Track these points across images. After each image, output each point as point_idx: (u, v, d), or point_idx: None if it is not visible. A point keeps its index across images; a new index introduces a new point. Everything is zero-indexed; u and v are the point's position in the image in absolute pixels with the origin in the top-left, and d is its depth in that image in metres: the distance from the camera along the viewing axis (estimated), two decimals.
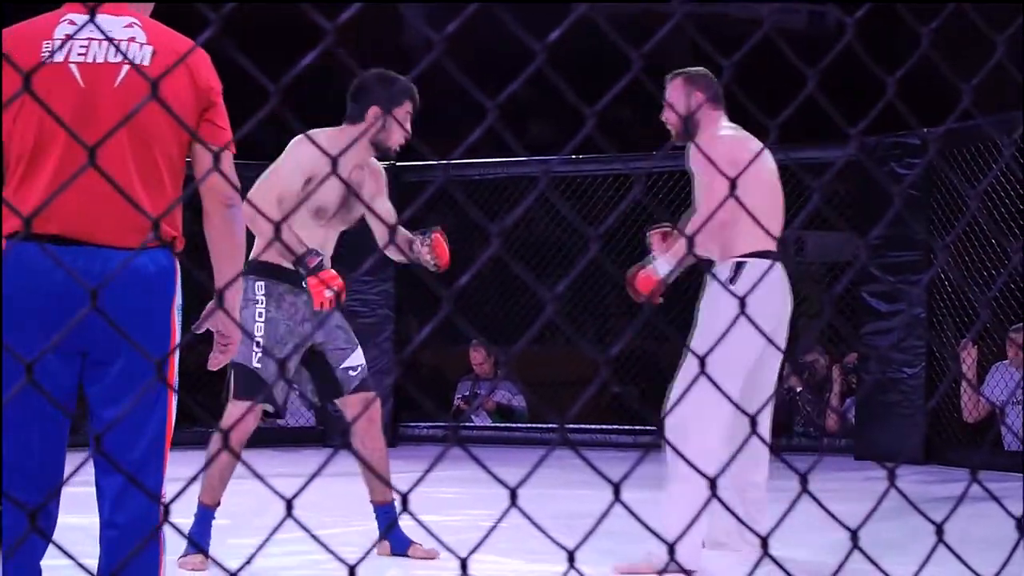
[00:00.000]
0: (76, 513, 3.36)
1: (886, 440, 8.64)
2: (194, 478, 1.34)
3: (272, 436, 10.09)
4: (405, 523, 4.80)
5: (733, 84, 1.57)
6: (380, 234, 5.12)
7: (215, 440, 4.96)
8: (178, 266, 2.85)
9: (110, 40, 2.81)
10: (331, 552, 1.40)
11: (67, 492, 2.69)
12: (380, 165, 5.13)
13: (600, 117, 1.48)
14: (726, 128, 4.97)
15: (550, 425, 9.86)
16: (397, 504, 4.82)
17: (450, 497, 6.45)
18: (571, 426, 9.75)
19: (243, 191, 3.08)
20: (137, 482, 2.81)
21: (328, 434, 10.14)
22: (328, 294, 4.73)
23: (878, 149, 8.68)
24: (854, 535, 1.62)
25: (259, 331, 4.83)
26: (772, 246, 4.96)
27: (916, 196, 8.54)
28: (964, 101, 1.82)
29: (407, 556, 4.81)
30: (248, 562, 1.41)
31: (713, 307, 4.87)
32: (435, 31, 1.42)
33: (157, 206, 2.77)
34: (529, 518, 1.46)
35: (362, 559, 1.38)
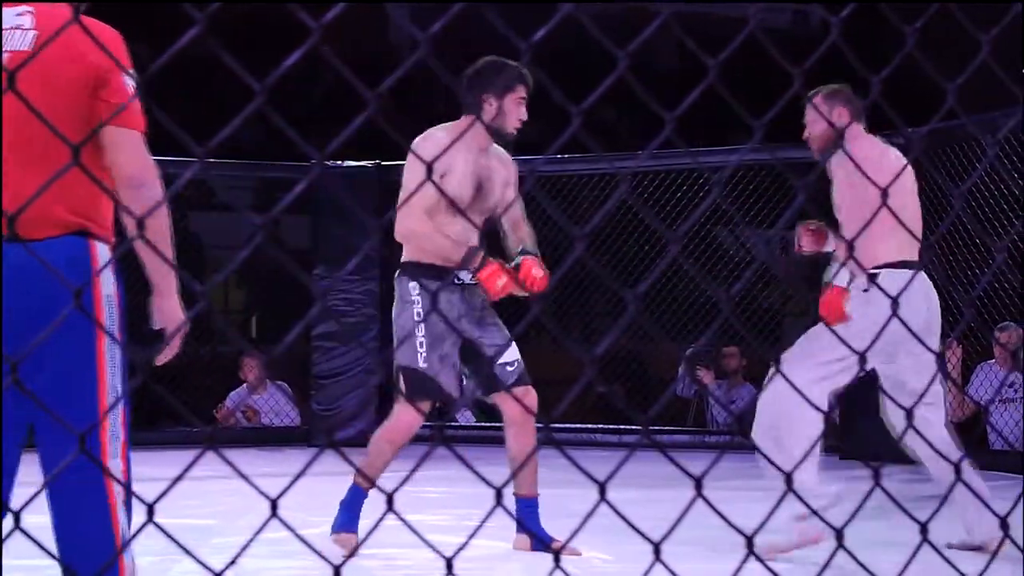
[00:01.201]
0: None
1: (871, 439, 8.65)
2: (179, 478, 1.34)
3: (257, 436, 10.09)
4: (389, 522, 4.79)
5: (718, 83, 1.57)
6: (508, 224, 5.15)
7: (379, 439, 4.99)
8: (98, 255, 2.75)
9: None
10: (316, 552, 1.40)
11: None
12: (506, 153, 5.15)
13: (586, 116, 1.48)
14: (873, 139, 5.05)
15: (536, 425, 9.85)
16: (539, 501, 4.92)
17: (435, 496, 6.44)
18: (556, 425, 9.75)
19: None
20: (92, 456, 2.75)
21: (313, 434, 10.13)
22: (500, 282, 4.81)
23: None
24: (839, 534, 1.62)
25: (420, 331, 4.91)
26: (913, 255, 4.99)
27: None
28: (949, 101, 1.82)
29: (549, 551, 4.83)
30: (233, 562, 1.40)
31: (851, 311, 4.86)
32: (420, 30, 1.42)
33: (58, 196, 2.64)
34: (514, 517, 1.46)
35: (347, 559, 1.38)
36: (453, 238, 4.86)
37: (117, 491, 2.77)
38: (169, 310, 2.84)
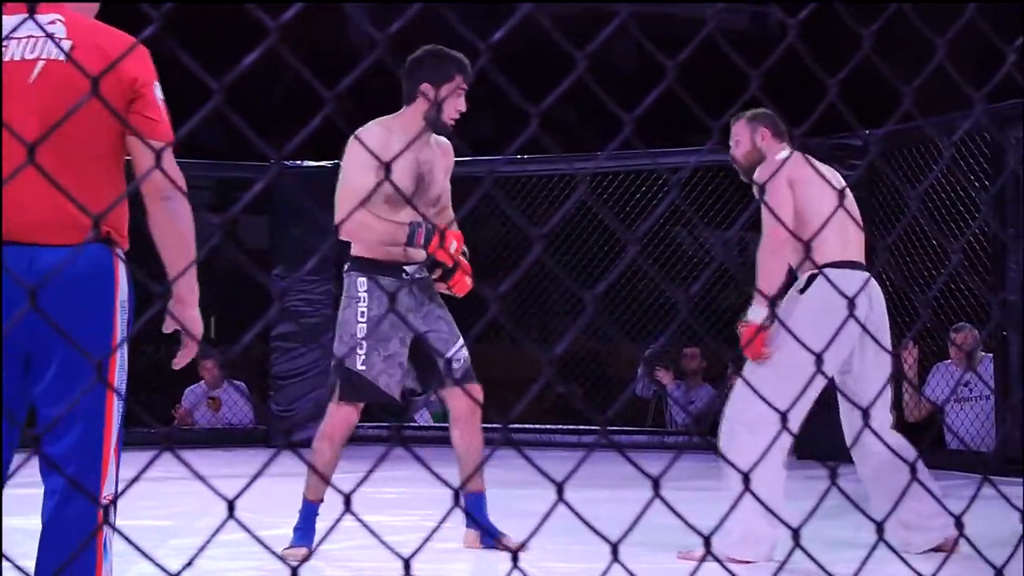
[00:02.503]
0: (18, 515, 3.34)
1: (828, 439, 8.69)
2: (135, 479, 1.33)
3: (214, 437, 10.04)
4: (346, 524, 4.78)
5: (676, 84, 1.57)
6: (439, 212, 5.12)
7: (317, 439, 5.01)
8: (120, 263, 2.83)
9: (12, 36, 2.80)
10: (273, 553, 1.39)
11: (9, 494, 2.66)
12: (447, 142, 5.07)
13: (544, 117, 1.48)
14: (786, 152, 5.09)
15: (493, 425, 9.86)
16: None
17: (393, 497, 6.44)
18: (514, 426, 9.75)
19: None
20: (78, 484, 2.78)
21: (271, 434, 10.10)
22: (468, 281, 4.86)
23: (820, 150, 8.74)
24: (796, 533, 1.63)
25: (361, 331, 4.86)
26: (852, 256, 5.06)
27: (858, 197, 8.59)
28: (905, 103, 1.83)
29: (496, 548, 4.85)
30: (189, 563, 1.40)
31: (785, 316, 4.91)
32: (378, 30, 1.42)
33: (86, 202, 2.67)
34: (473, 518, 1.46)
35: (304, 561, 1.38)
36: (396, 231, 4.81)
37: (108, 491, 2.82)
38: (190, 320, 2.92)
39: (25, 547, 2.48)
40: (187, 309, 2.93)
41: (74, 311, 2.72)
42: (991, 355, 8.16)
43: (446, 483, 1.44)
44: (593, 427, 9.75)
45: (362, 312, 4.87)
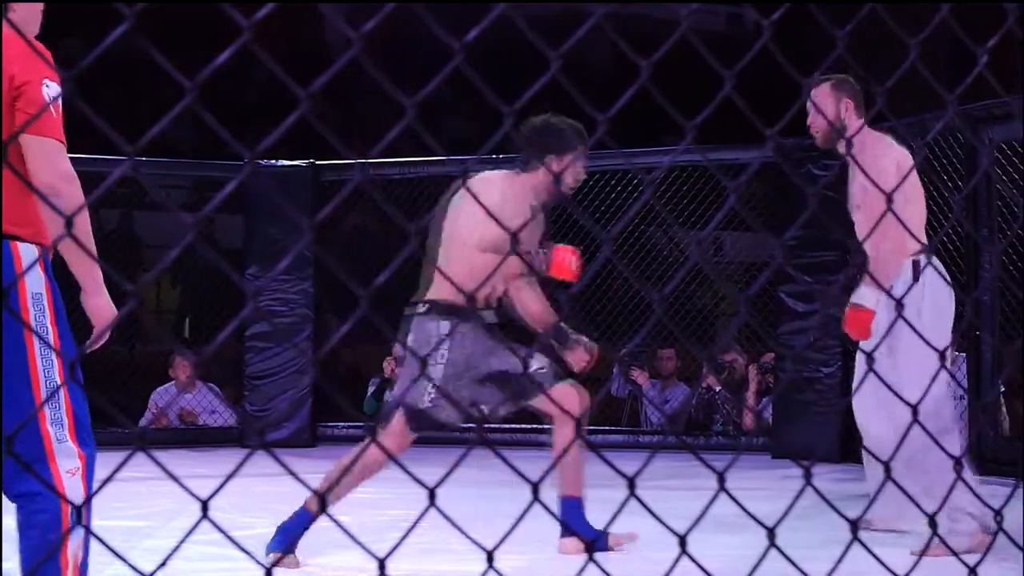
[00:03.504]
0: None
1: (802, 439, 8.72)
2: (108, 479, 1.33)
3: (190, 437, 10.01)
4: (322, 523, 4.78)
5: (651, 85, 1.58)
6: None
7: (357, 461, 5.00)
8: (23, 256, 2.86)
9: None
10: (247, 553, 1.39)
11: None
12: None
13: (519, 116, 1.48)
14: (884, 136, 5.06)
15: (469, 424, 9.85)
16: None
17: (368, 497, 6.42)
18: (490, 425, 9.75)
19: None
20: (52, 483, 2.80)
21: (246, 434, 10.07)
22: (573, 263, 5.13)
23: (795, 151, 8.77)
24: (771, 533, 1.63)
25: (437, 373, 4.96)
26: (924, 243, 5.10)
27: (832, 197, 8.62)
28: (878, 104, 1.84)
29: (604, 549, 4.85)
30: (163, 564, 1.39)
31: (915, 304, 4.87)
32: (354, 29, 1.41)
33: None
34: (448, 518, 1.46)
35: (277, 561, 1.37)
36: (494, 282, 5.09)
37: (65, 470, 2.83)
38: (96, 307, 2.95)
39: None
40: (91, 297, 2.97)
41: None
42: (964, 355, 8.19)
43: (422, 483, 1.44)
44: None
45: (441, 355, 4.99)
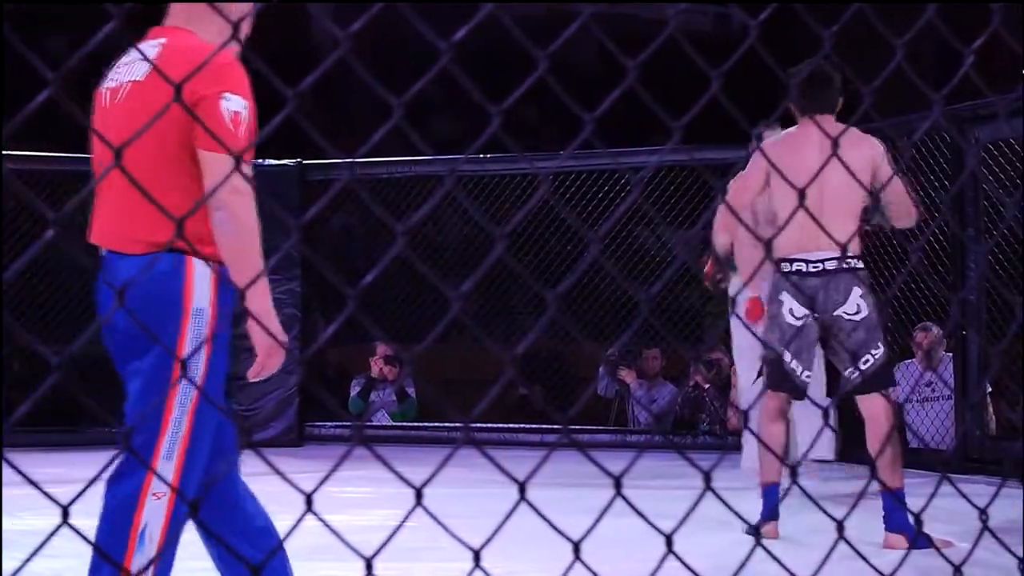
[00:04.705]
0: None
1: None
2: (94, 479, 1.33)
3: None
4: (308, 523, 4.77)
5: (638, 84, 1.58)
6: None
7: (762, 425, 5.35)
8: (193, 272, 2.93)
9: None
10: (235, 552, 1.39)
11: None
12: None
13: (506, 116, 1.48)
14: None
15: (455, 424, 9.86)
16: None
17: (356, 497, 6.42)
18: (477, 425, 9.75)
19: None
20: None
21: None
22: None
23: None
24: (756, 532, 1.64)
25: (789, 331, 5.21)
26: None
27: None
28: (865, 103, 1.84)
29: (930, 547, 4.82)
30: (151, 563, 1.39)
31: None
32: (341, 28, 1.41)
33: (153, 216, 2.83)
34: (435, 518, 1.46)
35: (267, 559, 1.37)
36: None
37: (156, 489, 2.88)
38: (257, 332, 2.97)
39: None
40: (264, 320, 2.94)
41: (139, 315, 2.85)
42: (951, 354, 8.21)
43: (409, 483, 1.44)
44: (556, 426, 9.77)
45: (792, 311, 5.30)
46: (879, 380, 5.14)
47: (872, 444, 5.15)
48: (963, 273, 7.94)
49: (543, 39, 1.52)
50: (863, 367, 5.13)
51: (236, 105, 2.89)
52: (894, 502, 4.87)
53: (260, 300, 2.94)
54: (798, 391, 5.24)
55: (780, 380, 5.27)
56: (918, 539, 4.60)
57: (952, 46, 1.97)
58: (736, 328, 6.98)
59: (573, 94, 1.56)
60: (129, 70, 3.01)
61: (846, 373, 5.23)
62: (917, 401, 8.64)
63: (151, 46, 2.98)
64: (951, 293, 7.77)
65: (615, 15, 16.43)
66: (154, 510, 2.78)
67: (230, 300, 2.99)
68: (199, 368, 2.95)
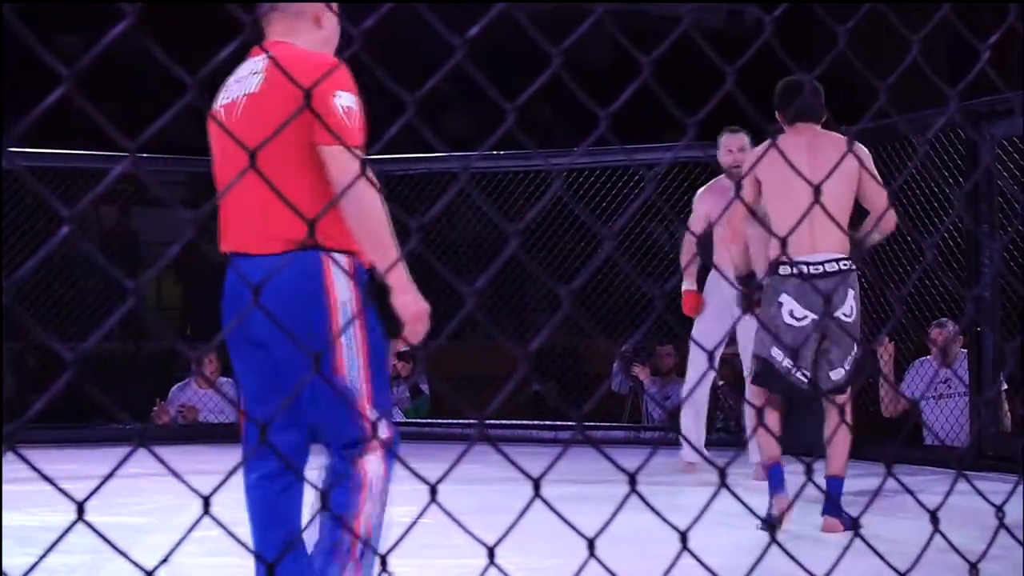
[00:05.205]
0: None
1: (804, 434, 8.71)
2: (109, 476, 1.33)
3: (191, 432, 10.00)
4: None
5: (652, 81, 1.58)
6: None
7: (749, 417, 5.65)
8: (332, 266, 3.08)
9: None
10: (248, 549, 1.39)
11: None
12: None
13: (520, 113, 1.48)
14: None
15: (469, 421, 9.86)
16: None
17: None
18: (490, 421, 9.75)
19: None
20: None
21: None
22: None
23: None
24: (771, 528, 1.63)
25: (787, 332, 5.30)
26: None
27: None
28: (880, 100, 1.84)
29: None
30: (165, 560, 1.39)
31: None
32: (354, 25, 1.42)
33: (283, 215, 3.02)
34: (449, 514, 1.46)
35: (280, 558, 1.37)
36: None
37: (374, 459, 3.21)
38: (403, 305, 3.11)
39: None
40: (398, 295, 3.10)
41: (279, 311, 3.00)
42: (966, 351, 8.19)
43: (423, 479, 1.44)
44: (570, 423, 9.77)
45: (791, 311, 5.39)
46: (857, 377, 5.44)
47: (831, 432, 5.40)
48: (978, 269, 7.92)
49: (554, 36, 1.51)
50: (847, 367, 5.38)
51: (347, 100, 3.09)
52: (839, 489, 5.09)
53: (399, 274, 3.11)
54: (791, 390, 5.42)
55: (768, 379, 5.46)
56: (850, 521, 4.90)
57: (964, 44, 1.97)
58: (742, 327, 7.13)
59: (585, 91, 1.56)
60: (241, 86, 3.20)
61: (832, 373, 5.39)
62: (932, 398, 8.62)
63: (259, 60, 3.18)
64: (966, 290, 7.76)
65: (625, 12, 16.41)
66: (374, 465, 3.18)
67: (364, 287, 3.14)
68: (354, 356, 3.15)
